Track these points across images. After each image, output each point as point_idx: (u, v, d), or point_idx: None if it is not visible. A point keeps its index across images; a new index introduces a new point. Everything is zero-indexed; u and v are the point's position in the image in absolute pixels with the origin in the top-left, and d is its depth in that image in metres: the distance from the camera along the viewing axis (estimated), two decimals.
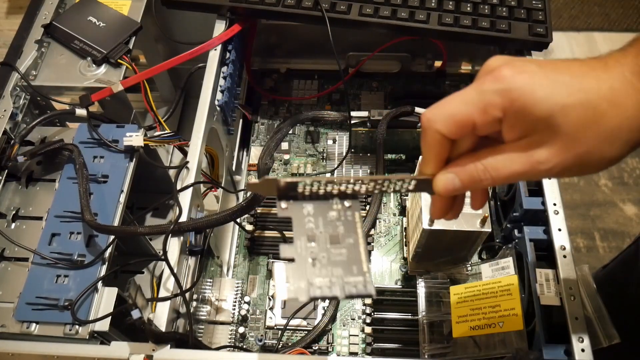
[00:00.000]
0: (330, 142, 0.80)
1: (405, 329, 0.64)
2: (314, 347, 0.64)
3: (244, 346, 0.65)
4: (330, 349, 0.64)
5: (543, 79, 0.32)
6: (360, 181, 0.35)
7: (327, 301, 0.66)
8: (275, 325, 0.66)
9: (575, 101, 0.31)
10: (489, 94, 0.32)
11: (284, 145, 0.80)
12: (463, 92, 0.34)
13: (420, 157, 0.37)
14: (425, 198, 0.58)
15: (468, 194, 0.40)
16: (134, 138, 0.57)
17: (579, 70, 0.33)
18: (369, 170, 0.76)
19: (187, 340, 0.49)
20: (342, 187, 0.35)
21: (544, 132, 0.32)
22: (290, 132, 0.81)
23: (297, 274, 0.32)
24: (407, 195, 0.74)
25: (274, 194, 0.34)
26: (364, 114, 0.70)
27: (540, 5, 0.65)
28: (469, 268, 0.61)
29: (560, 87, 0.32)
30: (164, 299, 0.49)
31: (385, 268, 0.71)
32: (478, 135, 0.35)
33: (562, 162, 0.32)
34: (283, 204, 0.34)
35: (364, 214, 0.70)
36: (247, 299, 0.68)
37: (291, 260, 0.32)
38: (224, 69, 0.66)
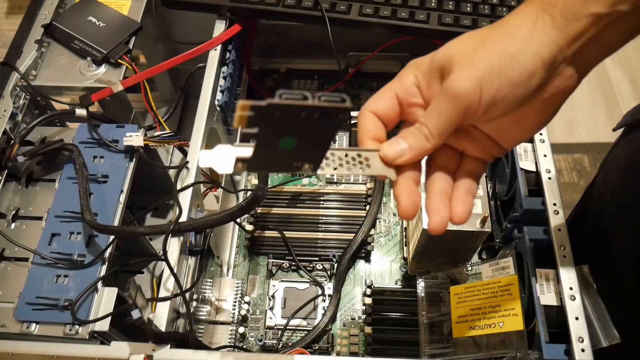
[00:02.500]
0: None
1: (405, 329, 0.64)
2: (314, 347, 0.64)
3: (244, 346, 0.65)
4: (330, 349, 0.64)
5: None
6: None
7: (327, 301, 0.66)
8: (275, 325, 0.66)
9: (462, 38, 0.35)
10: (401, 72, 0.37)
11: None
12: None
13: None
14: (425, 198, 0.58)
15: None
16: (134, 138, 0.57)
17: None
18: None
19: (187, 340, 0.49)
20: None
21: (446, 69, 0.34)
22: None
23: None
24: None
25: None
26: None
27: None
28: (469, 268, 0.61)
29: (451, 41, 0.36)
30: (164, 299, 0.49)
31: (385, 268, 0.71)
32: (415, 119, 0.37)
33: (464, 74, 0.33)
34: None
35: (364, 214, 0.70)
36: (247, 299, 0.68)
37: None
38: (224, 69, 0.66)
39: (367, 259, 0.71)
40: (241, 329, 0.65)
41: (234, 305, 0.67)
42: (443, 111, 0.34)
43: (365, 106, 0.37)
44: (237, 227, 0.74)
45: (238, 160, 0.31)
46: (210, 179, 0.65)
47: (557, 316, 0.48)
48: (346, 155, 0.35)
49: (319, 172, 0.35)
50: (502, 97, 0.33)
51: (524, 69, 0.32)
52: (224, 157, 0.32)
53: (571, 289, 0.48)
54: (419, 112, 0.36)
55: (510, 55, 0.33)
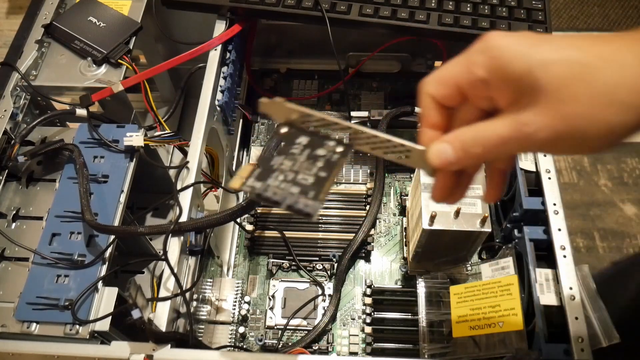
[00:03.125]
0: None
1: (405, 329, 0.64)
2: (314, 347, 0.64)
3: (244, 346, 0.65)
4: (330, 349, 0.64)
5: (528, 39, 0.30)
6: (360, 135, 0.34)
7: (327, 301, 0.66)
8: (275, 325, 0.66)
9: (559, 56, 0.29)
10: (472, 53, 0.32)
11: None
12: (455, 57, 0.33)
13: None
14: (425, 198, 0.58)
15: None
16: (134, 138, 0.57)
17: (572, 36, 0.30)
18: (369, 170, 0.76)
19: (187, 340, 0.49)
20: (342, 135, 0.35)
21: (529, 92, 0.29)
22: None
23: (258, 176, 0.32)
24: (406, 195, 0.74)
25: (281, 121, 0.35)
26: (364, 114, 0.70)
27: (540, 6, 0.65)
28: (469, 268, 0.61)
29: (543, 44, 0.30)
30: (164, 299, 0.49)
31: (385, 268, 0.71)
32: (479, 108, 0.33)
33: (549, 124, 0.29)
34: (284, 129, 0.35)
35: (364, 214, 0.70)
36: (247, 298, 0.68)
37: (260, 166, 0.33)
38: (224, 69, 0.66)
39: (367, 259, 0.71)
40: (241, 329, 0.65)
41: (234, 305, 0.67)
42: (507, 144, 0.30)
43: (426, 88, 0.34)
44: (237, 227, 0.74)
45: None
46: (210, 179, 0.65)
47: (556, 316, 0.48)
48: (388, 140, 0.34)
49: (355, 148, 0.34)
50: (567, 152, 0.31)
51: (611, 141, 0.29)
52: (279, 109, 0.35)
53: (571, 289, 0.48)
54: (480, 101, 0.33)
55: (610, 128, 0.28)
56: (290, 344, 0.64)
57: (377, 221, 0.74)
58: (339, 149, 0.34)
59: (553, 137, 0.29)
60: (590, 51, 0.29)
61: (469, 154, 0.32)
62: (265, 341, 0.65)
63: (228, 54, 0.67)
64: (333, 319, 0.66)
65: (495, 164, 0.36)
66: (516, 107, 0.30)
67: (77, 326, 0.48)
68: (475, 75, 0.31)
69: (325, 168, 0.33)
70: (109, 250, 0.52)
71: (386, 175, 0.76)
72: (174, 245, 0.51)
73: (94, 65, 0.64)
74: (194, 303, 0.56)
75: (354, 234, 0.69)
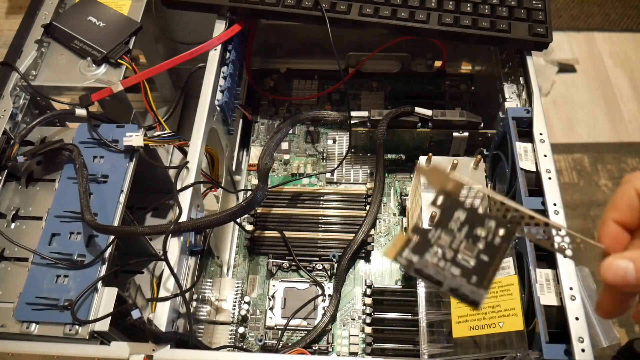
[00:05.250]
0: (330, 142, 0.80)
1: (405, 329, 0.64)
2: (314, 347, 0.64)
3: (244, 346, 0.65)
4: (330, 349, 0.64)
5: None
6: (526, 219, 0.32)
7: (327, 301, 0.66)
8: (275, 325, 0.66)
9: None
10: None
11: (284, 145, 0.80)
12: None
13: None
14: (426, 198, 0.58)
15: None
16: (134, 138, 0.57)
17: None
18: (369, 170, 0.76)
19: (187, 340, 0.49)
20: (504, 216, 0.33)
21: None
22: (290, 132, 0.81)
23: (414, 248, 0.31)
24: (406, 195, 0.74)
25: (436, 189, 0.34)
26: (364, 114, 0.70)
27: (540, 5, 0.65)
28: None
29: None
30: (164, 299, 0.49)
31: (385, 268, 0.71)
32: None
33: None
34: (440, 200, 0.33)
35: (364, 214, 0.70)
36: (247, 299, 0.67)
37: (416, 236, 0.31)
38: (224, 69, 0.66)
39: (367, 259, 0.71)
40: (241, 329, 0.65)
41: (234, 305, 0.67)
42: None
43: (635, 177, 0.31)
44: (237, 227, 0.74)
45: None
46: (210, 179, 0.65)
47: (557, 316, 0.48)
48: (559, 229, 0.33)
49: (519, 234, 0.32)
50: None
51: None
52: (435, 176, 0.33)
53: (571, 289, 0.48)
54: None
55: None
56: (290, 344, 0.64)
57: (377, 221, 0.74)
58: (501, 233, 0.32)
59: None
60: None
61: None
62: (265, 341, 0.65)
63: (228, 54, 0.67)
64: (333, 319, 0.66)
65: None
66: None
67: (77, 326, 0.48)
68: None
69: (487, 251, 0.32)
70: (109, 250, 0.52)
71: (386, 175, 0.76)
72: (174, 246, 0.51)
73: (94, 65, 0.64)
74: (194, 303, 0.56)
75: (354, 234, 0.69)
